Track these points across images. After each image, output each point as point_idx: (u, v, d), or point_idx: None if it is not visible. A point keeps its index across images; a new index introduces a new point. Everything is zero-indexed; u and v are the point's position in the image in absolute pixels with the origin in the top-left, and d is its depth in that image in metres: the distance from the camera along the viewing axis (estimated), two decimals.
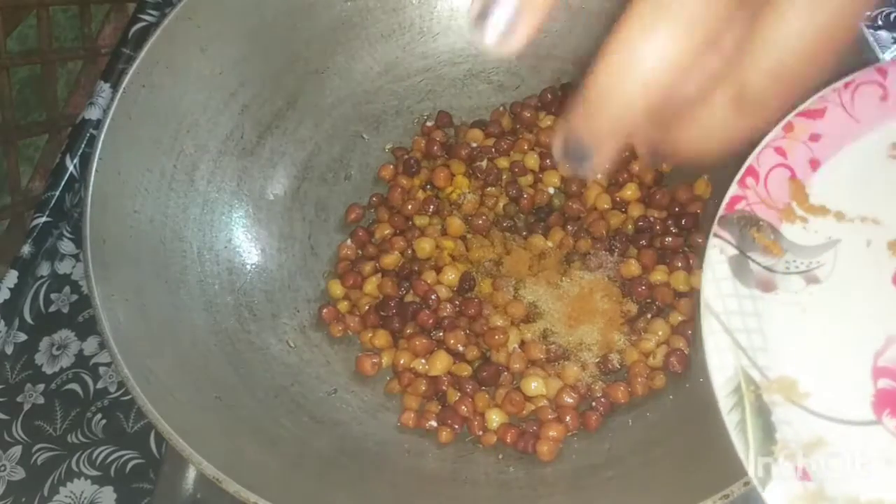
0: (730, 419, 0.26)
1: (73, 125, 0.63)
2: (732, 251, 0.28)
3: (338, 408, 0.46)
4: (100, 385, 0.56)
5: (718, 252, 0.28)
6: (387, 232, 0.51)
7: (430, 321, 0.46)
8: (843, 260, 0.29)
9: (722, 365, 0.27)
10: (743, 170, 0.29)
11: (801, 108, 0.29)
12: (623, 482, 0.39)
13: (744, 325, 0.28)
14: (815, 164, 0.29)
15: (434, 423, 0.44)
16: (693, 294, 0.45)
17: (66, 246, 0.61)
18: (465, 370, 0.45)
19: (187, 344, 0.44)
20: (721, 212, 0.29)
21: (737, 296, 0.28)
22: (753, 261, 0.28)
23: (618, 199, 0.49)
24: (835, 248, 0.29)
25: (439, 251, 0.49)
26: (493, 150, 0.51)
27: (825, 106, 0.29)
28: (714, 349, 0.27)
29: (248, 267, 0.50)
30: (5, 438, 0.54)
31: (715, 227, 0.29)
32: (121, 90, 0.45)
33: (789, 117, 0.29)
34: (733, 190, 0.29)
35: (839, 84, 0.30)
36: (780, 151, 0.29)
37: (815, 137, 0.29)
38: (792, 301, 0.28)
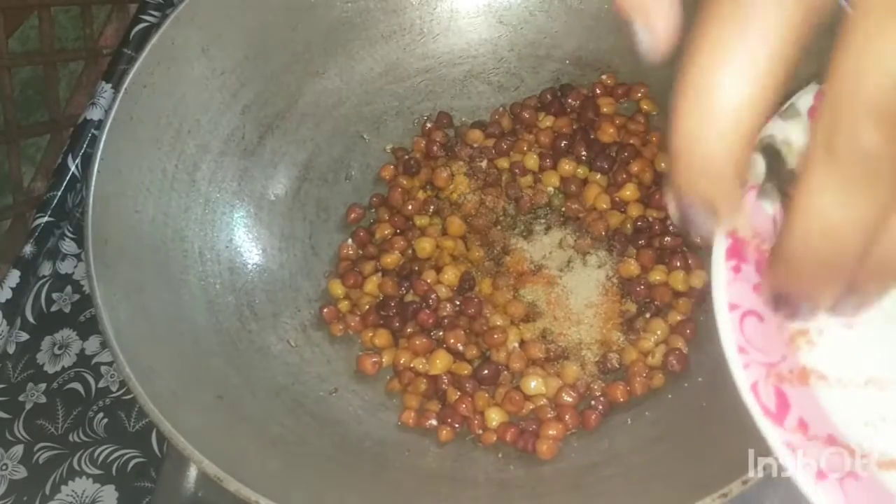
0: None
1: (75, 125, 0.64)
2: None
3: (338, 407, 0.46)
4: (101, 384, 0.56)
5: None
6: (387, 232, 0.51)
7: (431, 321, 0.47)
8: None
9: None
10: None
11: None
12: (622, 480, 0.40)
13: None
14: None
15: (434, 422, 0.44)
16: (691, 293, 0.46)
17: (68, 246, 0.61)
18: (465, 369, 0.46)
19: (189, 343, 0.44)
20: None
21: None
22: None
23: (617, 199, 0.49)
24: None
25: (439, 251, 0.49)
26: (493, 150, 0.51)
27: None
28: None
29: (250, 266, 0.50)
30: (7, 437, 0.55)
31: None
32: (122, 91, 0.45)
33: None
34: None
35: None
36: None
37: None
38: None
